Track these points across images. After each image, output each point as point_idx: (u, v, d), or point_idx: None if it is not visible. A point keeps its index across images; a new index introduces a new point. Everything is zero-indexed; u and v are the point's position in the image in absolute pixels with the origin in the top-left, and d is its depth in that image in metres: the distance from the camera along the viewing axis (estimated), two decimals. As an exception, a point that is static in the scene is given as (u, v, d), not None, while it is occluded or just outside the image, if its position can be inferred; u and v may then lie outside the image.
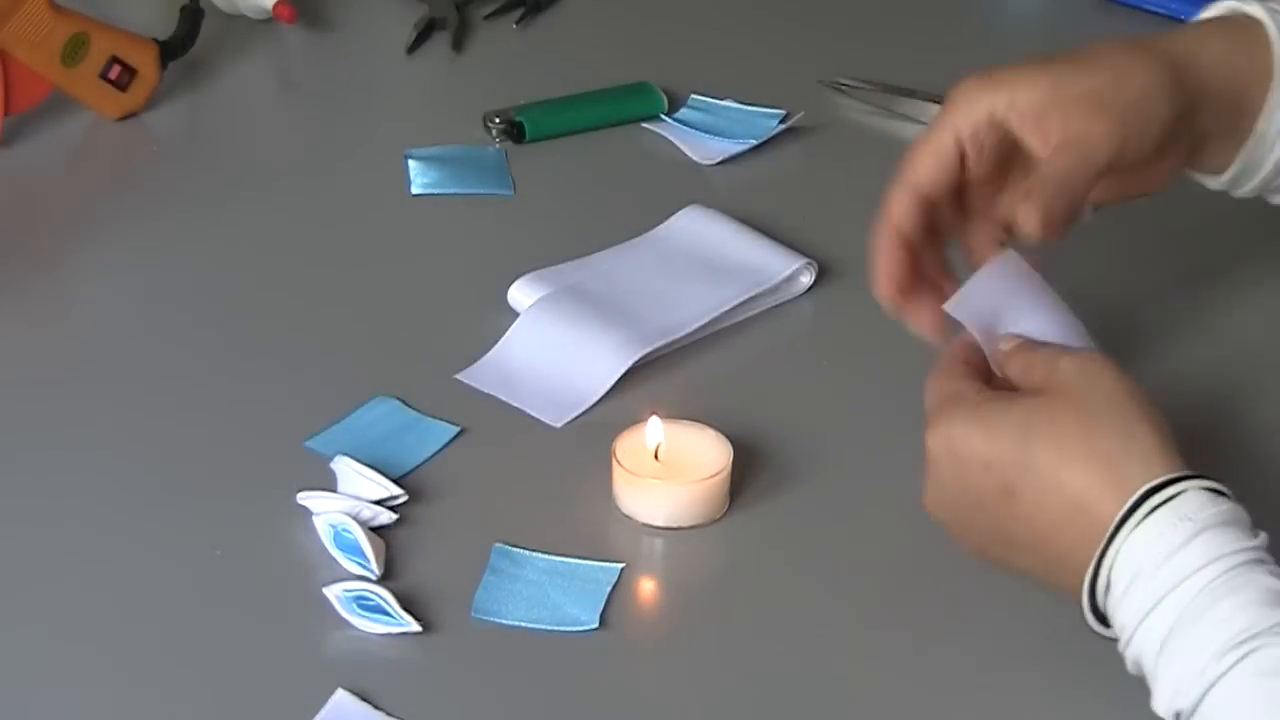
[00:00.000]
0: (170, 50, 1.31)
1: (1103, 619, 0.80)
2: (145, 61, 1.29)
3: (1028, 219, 0.90)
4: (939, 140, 0.94)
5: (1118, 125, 0.92)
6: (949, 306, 0.90)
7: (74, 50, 1.25)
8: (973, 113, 0.94)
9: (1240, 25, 0.98)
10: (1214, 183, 1.01)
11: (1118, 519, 0.78)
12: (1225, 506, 0.78)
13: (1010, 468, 0.82)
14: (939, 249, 0.95)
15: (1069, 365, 0.85)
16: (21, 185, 1.24)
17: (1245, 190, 1.00)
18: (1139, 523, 0.78)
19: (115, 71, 1.27)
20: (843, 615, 0.91)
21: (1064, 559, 0.81)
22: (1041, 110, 0.93)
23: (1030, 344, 0.88)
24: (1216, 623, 0.75)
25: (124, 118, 1.29)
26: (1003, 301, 0.90)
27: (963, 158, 0.93)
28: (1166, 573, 0.77)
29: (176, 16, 1.32)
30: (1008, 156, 0.94)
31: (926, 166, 0.93)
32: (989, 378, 0.89)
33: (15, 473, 0.98)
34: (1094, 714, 0.85)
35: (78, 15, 1.26)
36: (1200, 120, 0.96)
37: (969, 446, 0.83)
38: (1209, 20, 0.99)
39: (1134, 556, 0.78)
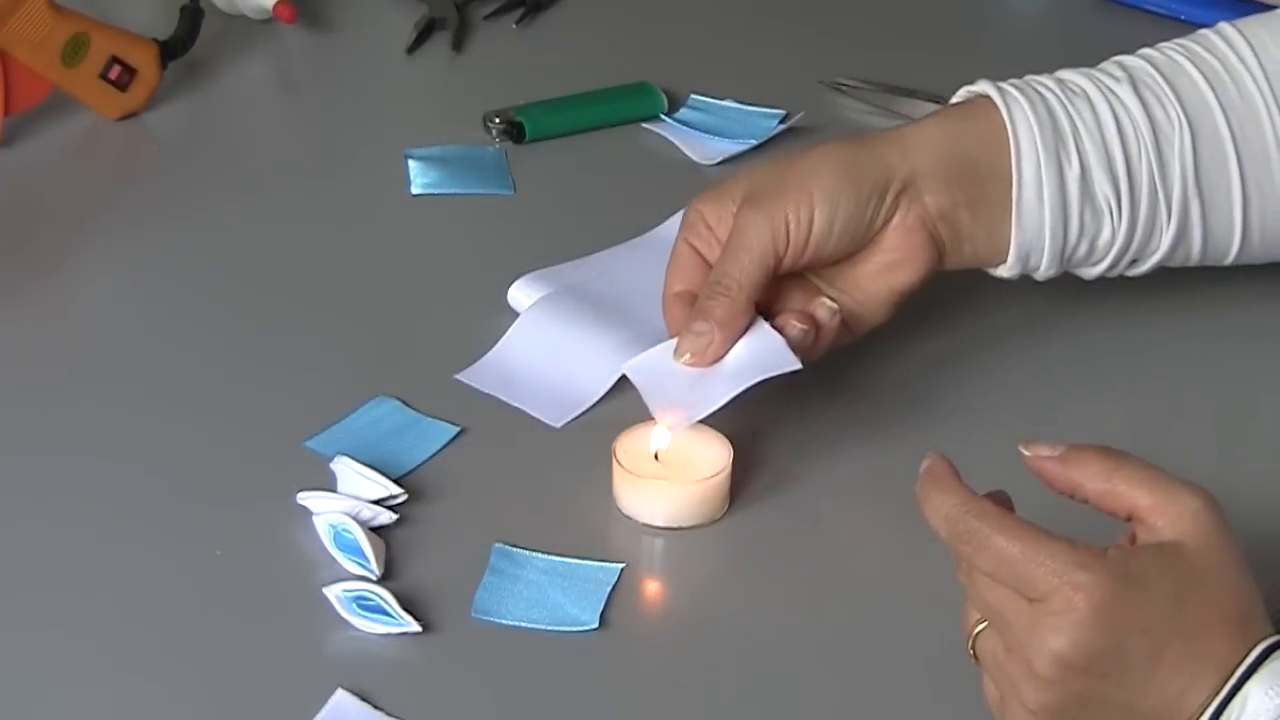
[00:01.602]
0: (170, 50, 1.31)
1: None
2: (145, 61, 1.29)
3: (696, 319, 0.96)
4: (676, 250, 1.01)
5: (771, 211, 0.96)
6: (627, 368, 0.97)
7: (74, 50, 1.25)
8: (693, 222, 1.00)
9: (969, 104, 1.01)
10: (1004, 270, 1.01)
11: (1243, 671, 0.75)
12: None
13: (1165, 632, 0.75)
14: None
15: (1200, 509, 0.77)
16: (21, 185, 1.24)
17: (1044, 268, 1.01)
18: (1256, 677, 0.75)
19: (115, 71, 1.27)
20: (843, 615, 0.91)
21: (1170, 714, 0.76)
22: (719, 217, 0.99)
23: (1106, 453, 0.80)
24: None
25: (124, 118, 1.29)
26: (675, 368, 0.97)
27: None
28: None
29: (176, 16, 1.32)
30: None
31: (675, 274, 1.00)
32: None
33: (14, 472, 0.98)
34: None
35: (78, 15, 1.26)
36: (930, 195, 0.98)
37: (1127, 606, 0.75)
38: (942, 108, 1.02)
39: (1249, 706, 0.75)
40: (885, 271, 1.00)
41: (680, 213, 1.16)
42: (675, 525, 0.95)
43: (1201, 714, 0.75)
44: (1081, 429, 0.93)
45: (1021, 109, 0.99)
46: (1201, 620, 0.76)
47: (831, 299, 0.99)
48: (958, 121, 1.01)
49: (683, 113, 1.30)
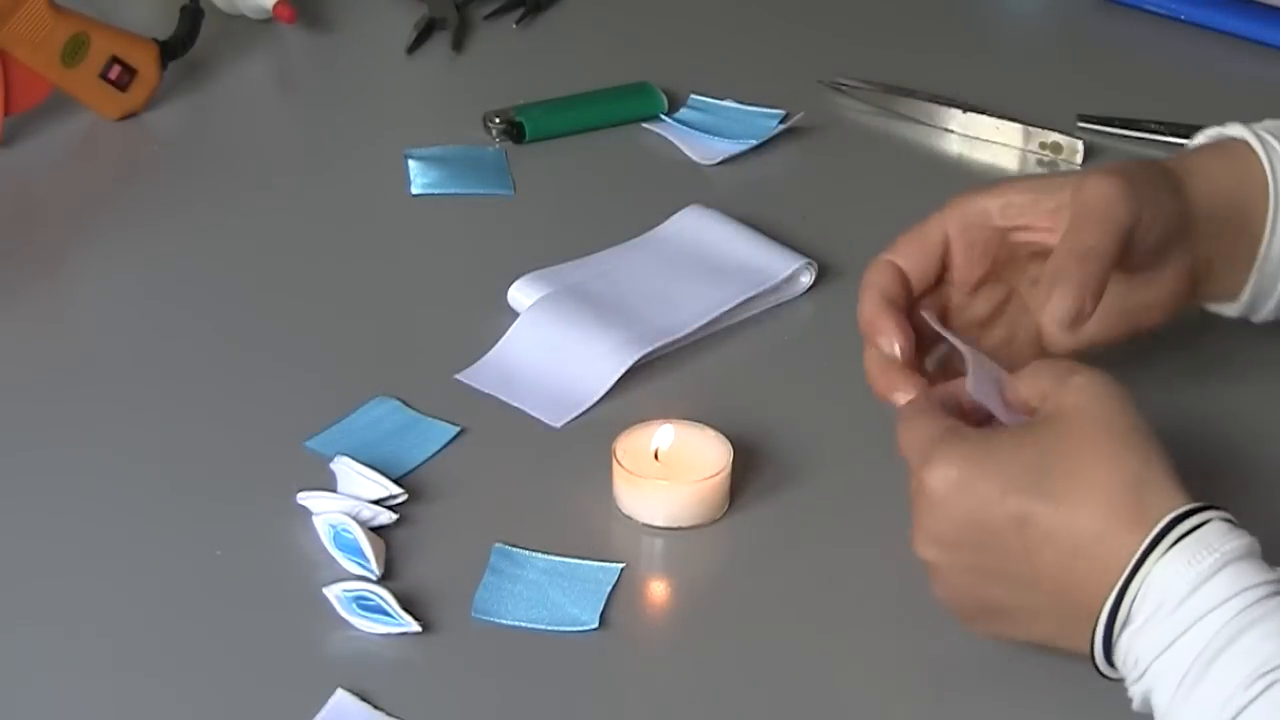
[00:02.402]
0: (170, 50, 1.31)
1: (1107, 654, 0.79)
2: (145, 61, 1.28)
3: (1059, 305, 0.88)
4: (926, 231, 0.93)
5: (1132, 192, 0.91)
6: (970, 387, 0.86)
7: (74, 50, 1.25)
8: (966, 212, 0.93)
9: (1229, 148, 0.99)
10: (1230, 310, 1.00)
11: (1142, 549, 0.77)
12: (1245, 539, 0.77)
13: (1027, 496, 0.79)
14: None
15: (1082, 384, 0.82)
16: (21, 185, 1.24)
17: (1264, 314, 1.00)
18: (1163, 554, 0.76)
19: (115, 71, 1.27)
20: (843, 615, 0.91)
21: (1075, 593, 0.79)
22: (1037, 200, 0.93)
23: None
24: (1241, 654, 0.74)
25: (124, 118, 1.29)
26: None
27: (947, 258, 0.93)
28: (1191, 605, 0.75)
29: (176, 16, 1.32)
30: (1000, 263, 0.94)
31: (910, 247, 0.93)
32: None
33: (14, 472, 0.98)
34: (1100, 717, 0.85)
35: (78, 15, 1.26)
36: (1200, 240, 0.95)
37: (982, 474, 0.80)
38: (1201, 146, 0.99)
39: (1157, 588, 0.76)
40: (1143, 311, 0.96)
41: (681, 212, 1.17)
42: (675, 525, 0.95)
43: (1107, 596, 0.77)
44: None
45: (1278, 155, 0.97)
46: (1070, 485, 0.79)
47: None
48: (1231, 166, 0.97)
49: (683, 113, 1.30)
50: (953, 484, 0.80)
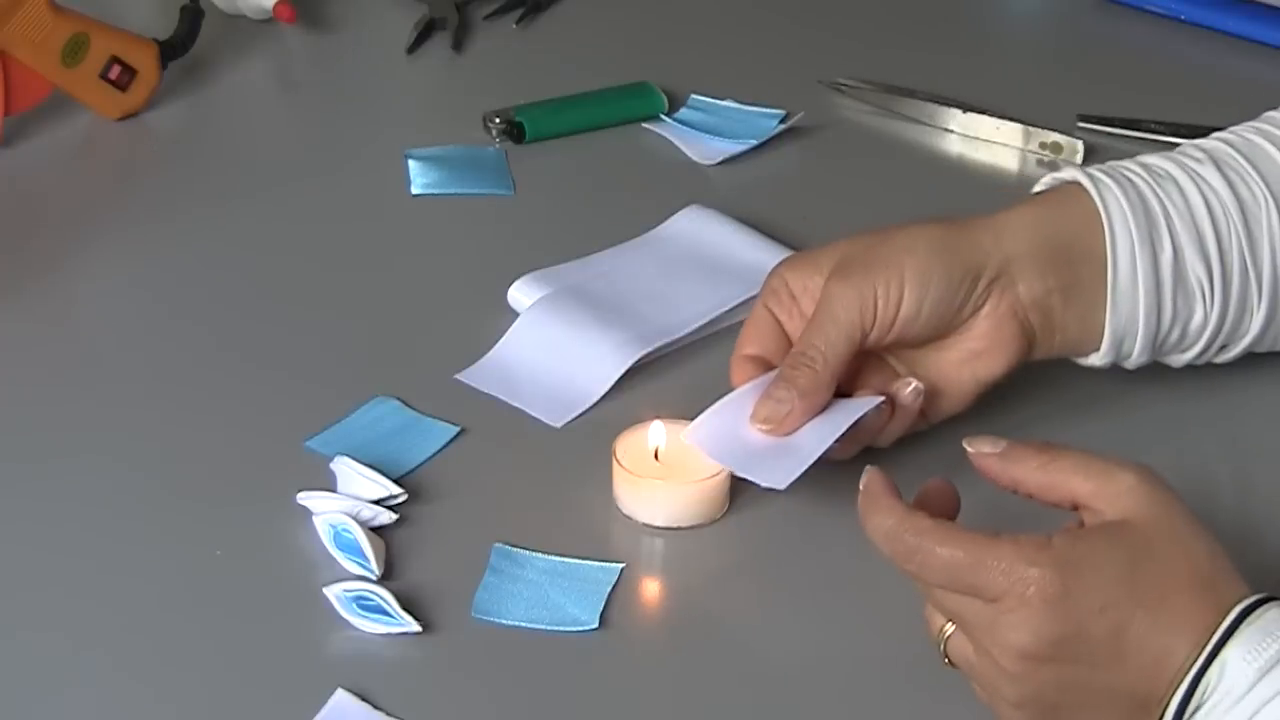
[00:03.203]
0: (170, 50, 1.31)
1: None
2: (145, 61, 1.29)
3: (778, 386, 0.94)
4: (755, 313, 0.99)
5: (860, 285, 0.95)
6: (684, 434, 0.94)
7: (74, 50, 1.25)
8: (775, 288, 0.99)
9: (1059, 192, 0.99)
10: (1096, 359, 1.00)
11: (1216, 640, 0.76)
12: None
13: (1124, 607, 0.76)
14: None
15: (1135, 483, 0.79)
16: (21, 185, 1.24)
17: (1135, 359, 0.99)
18: (1233, 641, 0.76)
19: (115, 71, 1.27)
20: (843, 615, 0.91)
21: (1154, 690, 0.77)
22: (805, 286, 0.98)
23: (1041, 447, 0.82)
24: None
25: (124, 118, 1.29)
26: (744, 423, 0.95)
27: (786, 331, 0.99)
28: (1261, 689, 0.75)
29: (176, 16, 1.32)
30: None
31: (750, 336, 0.99)
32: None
33: (14, 472, 0.98)
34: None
35: (78, 15, 1.26)
36: (1023, 283, 0.96)
37: (1080, 592, 0.76)
38: (1031, 195, 1.00)
39: (1228, 677, 0.75)
40: (971, 360, 0.98)
41: (681, 212, 1.17)
42: (675, 525, 0.95)
43: (1180, 681, 0.76)
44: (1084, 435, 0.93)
45: (1113, 193, 0.98)
46: (1160, 589, 0.77)
47: (916, 381, 0.97)
48: (1051, 208, 0.98)
49: (683, 113, 1.31)
50: (1050, 600, 0.77)
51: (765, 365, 0.97)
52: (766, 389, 0.95)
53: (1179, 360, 1.01)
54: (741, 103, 1.31)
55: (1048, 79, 1.40)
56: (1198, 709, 0.76)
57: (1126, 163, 1.01)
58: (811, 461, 0.92)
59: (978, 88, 1.32)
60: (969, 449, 0.83)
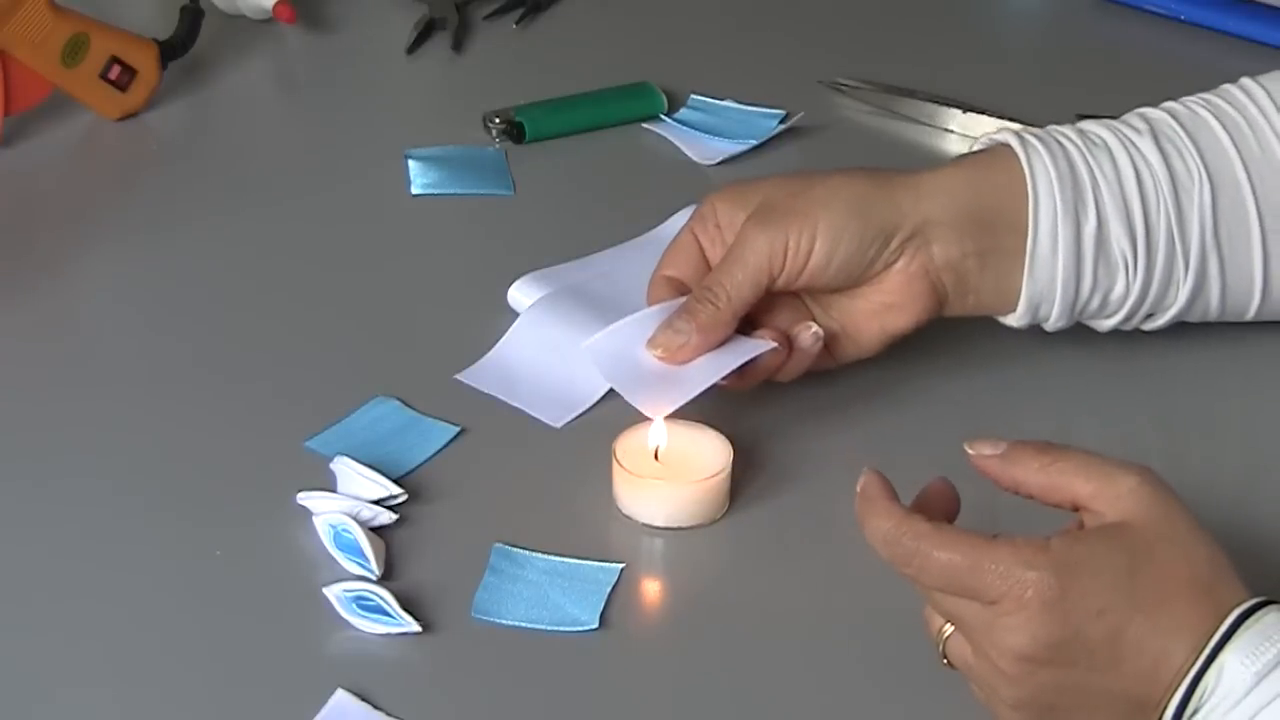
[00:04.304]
0: (170, 50, 1.31)
1: None
2: (145, 61, 1.29)
3: (679, 317, 0.97)
4: (681, 236, 1.02)
5: (773, 232, 0.97)
6: (584, 345, 0.98)
7: (74, 50, 1.25)
8: (704, 215, 1.01)
9: (989, 152, 1.00)
10: (1014, 320, 1.01)
11: (1214, 643, 0.75)
12: None
13: (1122, 611, 0.76)
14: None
15: (1135, 485, 0.79)
16: (21, 185, 1.24)
17: (1053, 322, 1.00)
18: (1230, 645, 0.75)
19: (115, 71, 1.27)
20: (843, 615, 0.91)
21: (1151, 692, 0.77)
22: (730, 219, 0.99)
23: (1043, 448, 0.82)
24: None
25: (124, 118, 1.29)
26: (640, 347, 0.98)
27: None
28: (1260, 693, 0.74)
29: (176, 16, 1.32)
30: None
31: (671, 258, 1.01)
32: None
33: (14, 473, 0.98)
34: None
35: (78, 15, 1.26)
36: (939, 246, 0.97)
37: (1076, 594, 0.76)
38: (961, 155, 1.02)
39: (1226, 681, 0.75)
40: (880, 312, 1.00)
41: (681, 212, 1.17)
42: (675, 525, 0.95)
43: (1178, 684, 0.76)
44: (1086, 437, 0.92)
45: (1042, 160, 0.99)
46: (1159, 592, 0.77)
47: (820, 325, 0.99)
48: (978, 170, 1.00)
49: (683, 113, 1.30)
50: (1048, 603, 0.77)
51: (681, 289, 1.00)
52: (668, 318, 0.98)
53: (1103, 326, 1.03)
54: (741, 103, 1.31)
55: (1048, 79, 1.40)
56: (1195, 712, 0.76)
57: (1063, 128, 1.02)
58: (694, 395, 0.95)
59: (978, 88, 1.32)
60: (969, 451, 0.83)
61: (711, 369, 0.97)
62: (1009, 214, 0.98)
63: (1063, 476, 0.81)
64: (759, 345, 0.98)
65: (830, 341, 1.00)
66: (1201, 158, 1.00)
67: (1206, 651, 0.75)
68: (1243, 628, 0.76)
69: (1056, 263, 0.98)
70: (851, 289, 0.99)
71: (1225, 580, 0.77)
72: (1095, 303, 1.00)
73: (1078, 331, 1.05)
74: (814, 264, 0.97)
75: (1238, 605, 0.76)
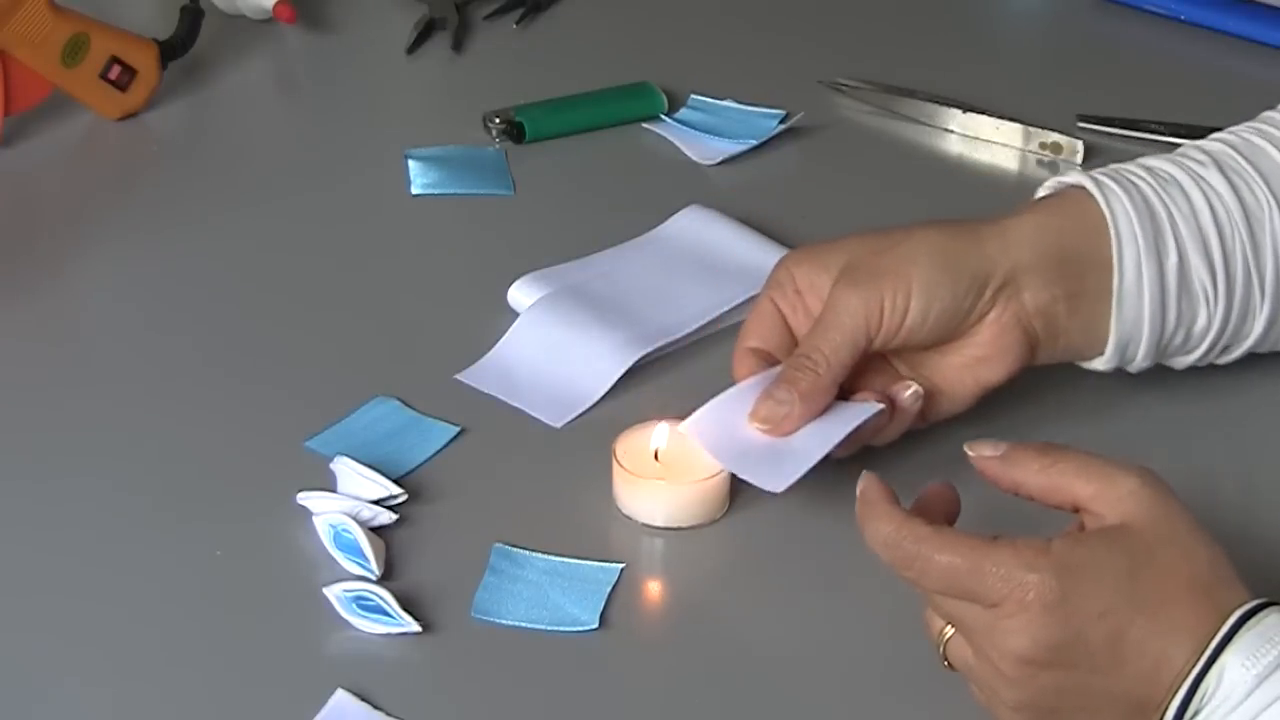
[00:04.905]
0: (170, 50, 1.31)
1: None
2: (145, 61, 1.29)
3: (779, 387, 0.94)
4: (760, 304, 0.99)
5: (867, 293, 0.95)
6: (682, 427, 0.94)
7: (74, 50, 1.25)
8: (782, 281, 0.99)
9: (1065, 197, 0.99)
10: (1100, 364, 1.00)
11: (1215, 645, 0.75)
12: None
13: (1123, 613, 0.77)
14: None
15: (1136, 487, 0.79)
16: (21, 185, 1.24)
17: (1138, 363, 0.99)
18: (1230, 647, 0.75)
19: (115, 71, 1.27)
20: (843, 615, 0.91)
21: (1152, 694, 0.77)
22: (811, 283, 0.97)
23: (1043, 449, 0.82)
24: None
25: (124, 118, 1.29)
26: (743, 421, 0.94)
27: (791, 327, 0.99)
28: (1256, 699, 0.75)
29: (176, 16, 1.32)
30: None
31: (753, 328, 0.99)
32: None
33: (14, 473, 0.98)
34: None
35: (78, 15, 1.26)
36: (1028, 292, 0.96)
37: (1078, 597, 0.76)
38: (1036, 200, 1.00)
39: (1226, 683, 0.75)
40: (973, 365, 0.98)
41: (681, 212, 1.17)
42: (675, 525, 0.95)
43: (1178, 686, 0.76)
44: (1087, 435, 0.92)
45: (1119, 199, 0.98)
46: (1160, 594, 0.77)
47: (916, 384, 0.97)
48: (1056, 214, 0.98)
49: (683, 113, 1.30)
50: (1049, 606, 0.77)
51: (767, 359, 0.97)
52: (767, 388, 0.95)
53: (1182, 363, 1.01)
54: (741, 103, 1.31)
55: (1048, 79, 1.40)
56: (1195, 714, 0.76)
57: (1130, 166, 1.01)
58: (809, 466, 0.92)
59: (978, 88, 1.32)
60: (970, 453, 0.83)
61: (822, 437, 0.94)
62: (1093, 256, 0.97)
63: (1063, 478, 0.81)
64: (867, 409, 0.95)
65: (925, 401, 0.97)
66: (1267, 185, 0.99)
67: (1207, 653, 0.75)
68: (1243, 629, 0.76)
69: (1143, 301, 0.97)
70: (944, 344, 0.97)
71: (1226, 582, 0.78)
72: (1179, 338, 0.99)
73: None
74: (910, 322, 0.95)
75: (1239, 607, 0.76)
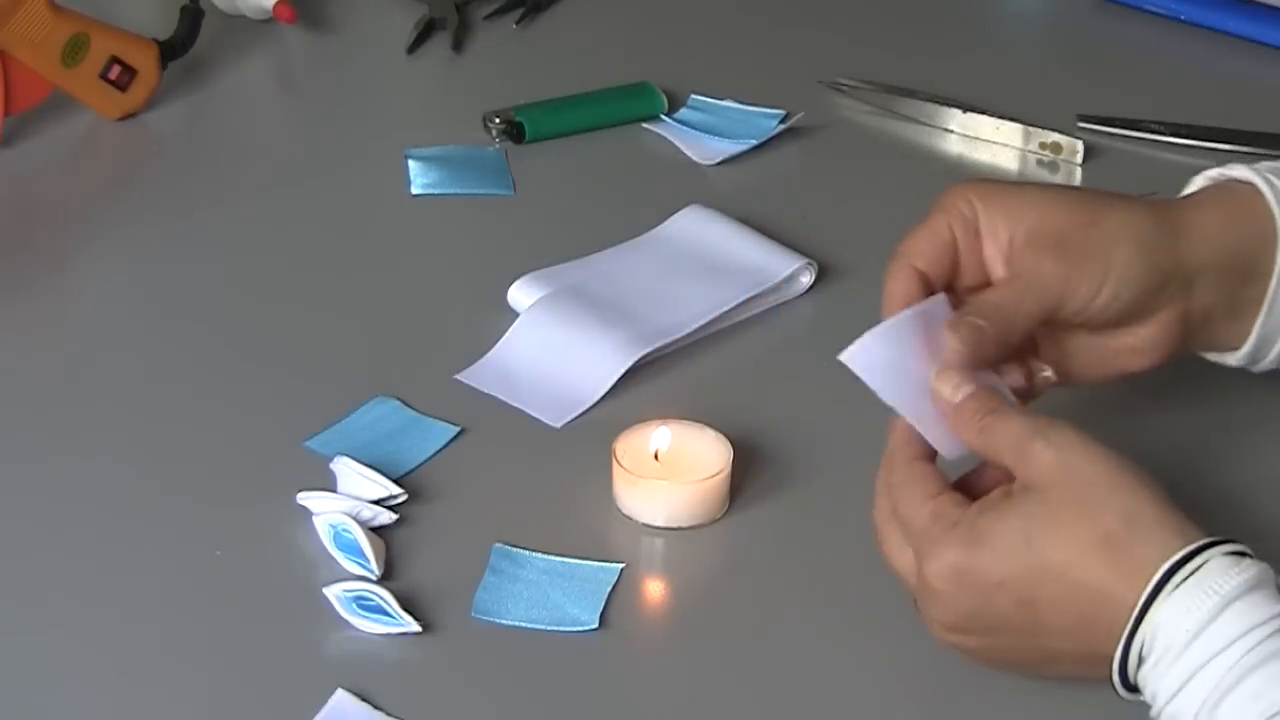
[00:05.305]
0: (170, 50, 1.31)
1: (1132, 687, 0.79)
2: (145, 61, 1.29)
3: (951, 341, 0.89)
4: (935, 224, 0.93)
5: (1070, 268, 0.91)
6: (844, 357, 0.85)
7: (74, 50, 1.25)
8: (965, 214, 0.93)
9: (1233, 193, 0.96)
10: (1231, 359, 0.98)
11: (1141, 602, 0.77)
12: (1250, 572, 0.77)
13: (1023, 580, 0.79)
14: None
15: (1041, 449, 0.81)
16: (21, 185, 1.24)
17: (1265, 364, 0.98)
18: (1163, 601, 0.76)
19: (115, 71, 1.27)
20: (843, 615, 0.91)
21: (1096, 651, 0.79)
22: (1010, 237, 0.93)
23: (989, 408, 0.84)
24: (1249, 697, 0.74)
25: (124, 118, 1.29)
26: (911, 355, 0.86)
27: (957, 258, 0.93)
28: (1194, 652, 0.75)
29: (176, 16, 1.32)
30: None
31: (923, 249, 0.92)
32: (933, 455, 0.86)
33: (14, 473, 0.98)
34: (1093, 710, 0.85)
35: (78, 15, 1.26)
36: (1198, 291, 0.94)
37: (976, 570, 0.80)
38: (1203, 190, 0.97)
39: (1162, 637, 0.76)
40: (1123, 353, 0.95)
41: (682, 212, 1.17)
42: (675, 525, 0.95)
43: (1115, 645, 0.78)
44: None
45: None
46: (1062, 556, 0.79)
47: (1050, 359, 0.94)
48: (1234, 216, 0.95)
49: (683, 113, 1.31)
50: (949, 580, 0.81)
51: (925, 283, 0.92)
52: (960, 314, 0.89)
53: None
54: (741, 103, 1.31)
55: (1048, 79, 1.40)
56: (1140, 664, 0.78)
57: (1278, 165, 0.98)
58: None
59: (978, 88, 1.32)
60: (932, 385, 0.86)
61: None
62: (1258, 262, 0.95)
63: (993, 439, 0.83)
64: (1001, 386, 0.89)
65: (1058, 374, 0.94)
66: None
67: (1135, 611, 0.77)
68: (1179, 579, 0.76)
69: None
70: (1103, 329, 0.94)
71: (1148, 535, 0.78)
72: None
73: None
74: (1096, 306, 0.92)
75: (1166, 559, 0.77)
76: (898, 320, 0.87)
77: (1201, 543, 0.78)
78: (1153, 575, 0.77)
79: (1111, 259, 0.92)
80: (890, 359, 0.86)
